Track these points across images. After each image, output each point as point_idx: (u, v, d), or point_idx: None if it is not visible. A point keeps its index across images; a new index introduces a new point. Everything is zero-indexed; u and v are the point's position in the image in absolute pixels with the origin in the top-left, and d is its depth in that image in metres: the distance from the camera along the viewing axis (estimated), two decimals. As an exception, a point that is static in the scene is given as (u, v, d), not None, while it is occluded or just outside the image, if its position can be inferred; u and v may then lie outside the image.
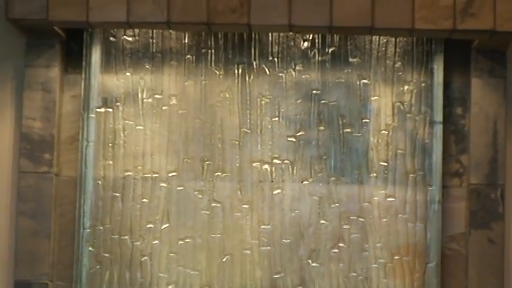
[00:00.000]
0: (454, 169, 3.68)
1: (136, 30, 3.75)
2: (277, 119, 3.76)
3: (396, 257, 3.69)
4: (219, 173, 3.73)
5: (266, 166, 3.74)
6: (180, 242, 3.72)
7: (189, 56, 3.77)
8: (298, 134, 3.76)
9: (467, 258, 3.63)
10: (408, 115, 3.75)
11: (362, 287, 3.73)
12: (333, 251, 3.70)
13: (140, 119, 3.77)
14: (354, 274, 3.70)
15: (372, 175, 3.73)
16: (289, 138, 3.76)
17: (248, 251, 3.73)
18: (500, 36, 3.49)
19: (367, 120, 3.75)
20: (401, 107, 3.76)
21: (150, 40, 3.78)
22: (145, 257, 3.71)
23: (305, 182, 3.73)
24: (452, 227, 3.69)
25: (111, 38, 3.77)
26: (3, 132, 3.73)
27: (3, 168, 3.72)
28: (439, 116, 3.68)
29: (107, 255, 3.70)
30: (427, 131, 3.73)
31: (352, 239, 3.71)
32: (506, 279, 3.67)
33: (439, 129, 3.70)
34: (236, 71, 3.77)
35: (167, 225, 3.71)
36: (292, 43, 3.78)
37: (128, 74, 3.76)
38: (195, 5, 3.47)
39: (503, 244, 3.63)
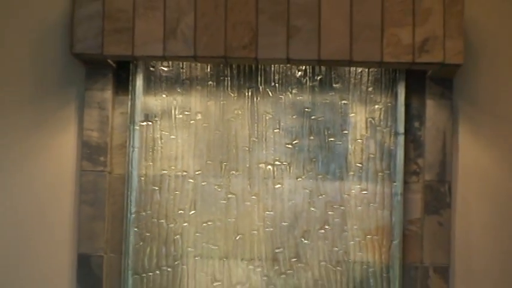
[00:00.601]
0: (413, 169, 3.85)
1: (170, 62, 3.87)
2: (277, 130, 3.90)
3: (368, 236, 3.86)
4: (234, 172, 3.88)
5: (269, 166, 3.88)
6: (204, 224, 3.86)
7: (210, 82, 3.90)
8: (294, 142, 3.90)
9: (422, 237, 3.78)
10: (378, 128, 3.89)
11: (342, 259, 3.85)
12: (320, 231, 3.84)
13: (173, 130, 3.90)
14: (336, 249, 3.84)
15: (350, 173, 3.89)
16: (287, 145, 3.90)
17: (255, 231, 3.87)
18: (448, 68, 3.62)
19: (346, 132, 3.90)
20: (373, 122, 3.90)
21: (181, 70, 3.90)
22: (177, 236, 3.85)
23: (299, 179, 3.88)
24: (411, 213, 3.84)
25: (151, 68, 3.89)
26: (69, 140, 3.82)
27: (69, 168, 3.81)
28: (401, 129, 3.84)
29: (148, 234, 3.85)
30: (392, 140, 3.87)
31: (335, 222, 3.85)
32: (451, 253, 3.77)
33: (401, 139, 3.84)
34: (246, 94, 3.91)
35: (194, 211, 3.86)
36: (289, 72, 3.91)
37: (164, 95, 3.90)
38: (215, 43, 3.56)
39: (450, 226, 3.76)
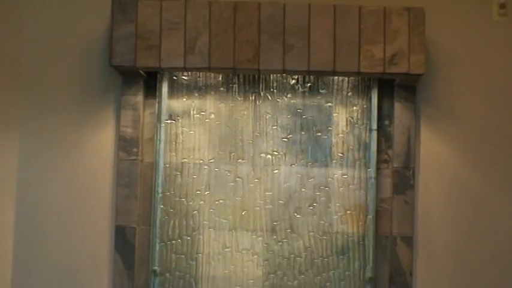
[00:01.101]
0: (384, 158, 3.95)
1: (189, 73, 3.98)
2: (275, 127, 4.01)
3: (348, 212, 3.98)
4: (240, 160, 3.99)
5: (269, 156, 3.99)
6: (216, 202, 3.97)
7: (221, 89, 4.01)
8: (288, 136, 4.00)
9: (391, 212, 3.88)
10: (356, 125, 4.00)
11: (327, 230, 3.97)
12: (309, 208, 3.97)
13: (191, 127, 4.01)
14: (322, 222, 3.96)
15: (333, 161, 3.99)
16: (283, 139, 4.01)
17: (258, 208, 3.98)
18: (412, 77, 3.74)
19: (330, 128, 4.00)
20: (351, 120, 4.01)
21: (198, 78, 4.01)
22: (195, 211, 3.97)
23: (292, 166, 3.99)
24: (382, 193, 3.93)
25: (174, 77, 4.00)
26: (108, 135, 3.92)
27: (108, 157, 3.91)
28: (374, 126, 3.95)
29: (171, 210, 3.96)
30: (367, 135, 3.98)
31: (321, 200, 3.97)
32: (414, 225, 3.86)
33: (374, 134, 3.96)
34: (250, 98, 4.02)
35: (208, 192, 3.97)
36: (284, 80, 4.01)
37: (184, 99, 4.01)
38: (225, 57, 3.68)
39: (413, 204, 3.87)
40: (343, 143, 4.02)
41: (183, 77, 4.02)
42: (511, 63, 4.03)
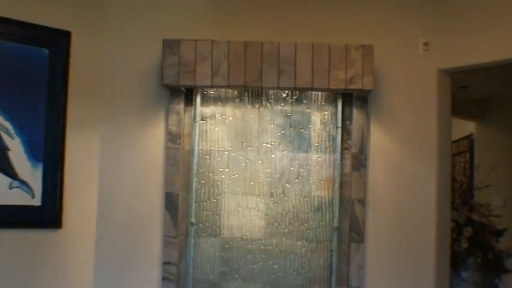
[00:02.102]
0: (345, 146, 3.98)
1: (215, 89, 3.99)
2: (273, 125, 4.04)
3: (322, 182, 4.01)
4: (249, 148, 4.03)
5: (268, 145, 4.03)
6: (233, 176, 4.01)
7: (236, 100, 4.06)
8: (281, 132, 4.04)
9: (351, 183, 3.93)
10: (326, 124, 4.03)
11: (307, 195, 4.00)
12: (295, 180, 4.01)
13: (216, 126, 4.05)
14: (304, 189, 4.00)
15: (312, 149, 4.03)
16: (278, 134, 4.04)
17: (261, 180, 4.02)
18: (364, 92, 3.82)
19: (310, 126, 4.04)
20: (324, 120, 4.04)
21: (220, 93, 4.04)
22: (219, 182, 4.01)
23: (284, 151, 4.03)
24: (345, 170, 3.98)
25: (204, 92, 4.02)
26: (161, 131, 3.97)
27: (161, 146, 3.95)
28: (339, 124, 3.98)
29: (202, 181, 4.00)
30: (334, 131, 4.00)
31: (304, 175, 4.02)
32: (366, 192, 3.90)
33: (339, 130, 3.97)
34: (257, 106, 4.06)
35: (228, 169, 4.02)
36: (279, 94, 4.05)
37: (211, 107, 4.04)
38: (239, 78, 3.77)
39: (366, 177, 3.93)
40: (318, 136, 4.06)
41: (211, 92, 4.06)
42: (429, 82, 4.03)
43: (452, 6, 4.03)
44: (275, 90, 4.05)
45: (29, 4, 3.73)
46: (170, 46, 3.81)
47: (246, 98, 4.09)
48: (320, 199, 4.05)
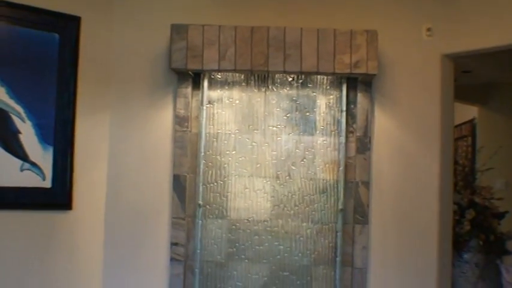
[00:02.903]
0: (350, 130, 3.99)
1: (221, 73, 4.01)
2: (278, 109, 4.05)
3: (327, 165, 4.02)
4: (256, 130, 4.03)
5: (274, 128, 4.04)
6: (240, 158, 4.03)
7: (243, 83, 4.06)
8: (287, 115, 4.05)
9: (355, 166, 3.95)
10: (331, 107, 4.04)
11: (313, 177, 4.01)
12: (301, 162, 4.03)
13: (223, 109, 4.05)
14: (310, 172, 4.01)
15: (317, 132, 4.04)
16: (284, 117, 4.05)
17: (267, 162, 4.03)
18: (369, 76, 3.83)
19: (315, 110, 4.05)
20: (329, 104, 4.05)
21: (227, 77, 4.05)
22: (226, 164, 4.02)
23: (290, 134, 4.04)
24: (350, 152, 3.98)
25: (211, 76, 4.03)
26: (169, 114, 3.98)
27: (169, 129, 3.98)
28: (344, 108, 3.99)
29: (210, 163, 4.01)
30: (339, 114, 4.01)
31: (309, 157, 4.03)
32: (370, 174, 3.91)
33: (344, 113, 3.98)
34: (263, 90, 4.06)
35: (234, 151, 4.03)
36: (285, 78, 4.06)
37: (218, 90, 4.06)
38: (246, 62, 3.78)
39: (370, 160, 3.94)
40: (323, 119, 4.07)
41: (218, 76, 4.07)
42: (432, 67, 4.03)
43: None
44: (281, 75, 4.06)
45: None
46: (178, 31, 3.82)
47: (253, 82, 4.10)
48: (325, 181, 4.06)
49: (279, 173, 4.08)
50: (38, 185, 3.73)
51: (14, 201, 3.65)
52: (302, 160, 4.08)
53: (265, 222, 4.06)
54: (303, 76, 4.09)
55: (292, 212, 4.06)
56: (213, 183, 4.07)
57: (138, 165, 4.06)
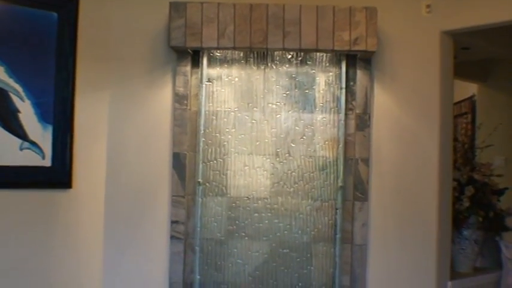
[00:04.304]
0: (350, 107, 4.00)
1: (221, 50, 4.00)
2: (278, 86, 4.05)
3: (326, 142, 4.03)
4: (255, 108, 4.04)
5: (274, 105, 4.05)
6: (239, 136, 4.03)
7: (242, 61, 4.06)
8: (287, 92, 4.05)
9: (355, 143, 3.96)
10: (331, 85, 4.05)
11: (312, 154, 4.03)
12: (300, 139, 4.04)
13: (222, 87, 4.05)
14: (309, 149, 4.03)
15: (316, 109, 4.05)
16: (283, 94, 4.05)
17: (267, 140, 4.03)
18: (368, 53, 3.85)
19: (314, 87, 4.06)
20: (328, 81, 4.05)
21: (226, 54, 4.05)
22: (225, 142, 4.02)
23: (289, 112, 4.05)
24: (350, 130, 3.99)
25: (211, 54, 4.03)
26: (168, 92, 3.99)
27: (168, 106, 3.98)
28: (343, 85, 4.00)
29: (210, 141, 4.01)
30: (339, 91, 4.02)
31: (309, 135, 4.04)
32: (370, 151, 3.93)
33: (343, 90, 3.99)
34: (262, 67, 4.06)
35: (234, 129, 4.04)
36: (284, 56, 4.06)
37: (217, 68, 4.05)
38: (245, 40, 3.77)
39: (369, 137, 3.95)
40: (322, 97, 4.08)
41: (217, 54, 4.06)
42: (431, 44, 4.04)
43: (456, -33, 4.06)
44: (280, 52, 4.06)
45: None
46: (177, 9, 3.82)
47: (252, 59, 4.10)
48: (325, 159, 4.08)
49: (278, 150, 4.09)
50: (37, 163, 3.74)
51: (14, 181, 3.66)
52: (301, 137, 4.09)
53: (265, 200, 4.08)
54: (302, 53, 4.09)
55: (291, 189, 4.08)
56: (212, 161, 4.08)
57: (137, 143, 4.06)
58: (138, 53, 4.06)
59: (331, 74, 4.11)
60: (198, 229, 4.04)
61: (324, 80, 4.11)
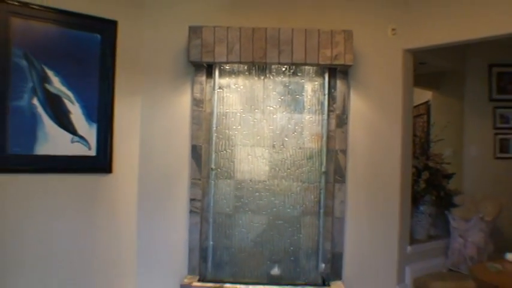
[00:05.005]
0: (331, 109, 3.93)
1: (230, 64, 3.94)
2: (275, 93, 3.99)
3: (313, 136, 3.99)
4: (256, 110, 3.99)
5: (271, 108, 3.99)
6: (244, 132, 3.99)
7: (246, 73, 4.01)
8: (281, 97, 3.99)
9: (335, 137, 3.91)
10: (316, 91, 3.98)
11: (302, 146, 3.99)
12: (292, 134, 3.99)
13: (230, 93, 3.99)
14: (299, 142, 3.98)
15: (305, 110, 3.99)
16: (278, 99, 3.99)
17: (265, 135, 3.98)
18: (346, 66, 3.79)
19: (303, 93, 3.99)
20: (314, 89, 3.99)
21: (234, 67, 3.98)
22: (233, 136, 3.98)
23: (283, 113, 3.99)
24: (331, 127, 3.92)
25: (221, 67, 3.96)
26: (188, 97, 3.94)
27: (188, 109, 3.93)
28: (326, 92, 3.94)
29: (221, 136, 3.98)
30: (322, 97, 3.95)
31: (298, 131, 3.99)
32: (347, 144, 3.89)
33: (326, 96, 3.93)
34: (262, 78, 4.01)
35: (239, 126, 3.99)
36: (280, 68, 4.01)
37: (227, 78, 4.00)
38: (249, 55, 3.73)
39: (347, 133, 3.91)
40: (309, 101, 4.02)
41: (226, 67, 4.01)
42: (396, 59, 4.02)
43: (416, 0, 4.01)
44: (276, 65, 4.02)
45: (85, -2, 3.76)
46: (195, 31, 3.80)
47: (254, 71, 4.06)
48: (311, 150, 4.04)
49: (274, 143, 4.06)
50: (85, 153, 3.75)
51: (67, 167, 3.67)
52: (293, 133, 4.06)
53: (264, 182, 4.05)
54: (293, 67, 4.04)
55: (285, 173, 4.04)
56: (222, 151, 4.05)
57: (163, 137, 4.03)
58: (163, 66, 4.04)
59: (316, 83, 4.06)
60: (211, 205, 4.02)
61: (311, 88, 4.06)
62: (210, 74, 4.02)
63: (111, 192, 3.92)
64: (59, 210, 3.65)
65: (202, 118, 3.98)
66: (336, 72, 3.98)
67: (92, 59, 3.77)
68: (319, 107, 4.06)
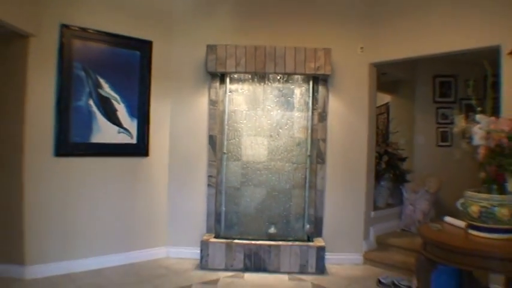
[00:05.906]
0: (315, 108, 3.88)
1: (238, 74, 3.89)
2: (272, 95, 3.95)
3: (300, 128, 3.95)
4: (258, 108, 3.94)
5: (269, 107, 3.95)
6: (248, 125, 3.95)
7: (250, 80, 3.96)
8: (276, 99, 3.95)
9: (318, 129, 3.85)
10: (303, 95, 3.94)
11: (292, 136, 3.95)
12: (285, 127, 3.95)
13: (238, 96, 3.95)
14: (291, 132, 3.95)
15: (294, 109, 3.96)
16: (274, 100, 3.94)
17: (265, 127, 3.95)
18: (326, 76, 3.76)
19: (294, 96, 3.95)
20: (302, 92, 3.95)
21: (241, 76, 3.94)
22: (240, 128, 3.94)
23: (279, 111, 3.95)
24: (314, 122, 3.87)
25: (231, 76, 3.92)
26: (205, 98, 3.90)
27: (205, 108, 3.90)
28: (311, 95, 3.91)
29: (231, 128, 3.94)
30: (308, 99, 3.92)
31: (290, 124, 3.95)
32: (326, 134, 3.81)
33: (311, 98, 3.88)
34: (262, 84, 3.97)
35: (245, 121, 3.95)
36: (275, 76, 3.95)
37: (235, 84, 3.96)
38: (252, 67, 3.70)
39: (326, 126, 3.85)
40: (298, 102, 3.99)
41: (235, 75, 3.97)
42: (363, 71, 3.96)
43: (378, 26, 3.95)
44: (273, 74, 3.97)
45: (127, 24, 3.71)
46: (211, 48, 3.79)
47: (256, 79, 4.03)
48: (299, 139, 4.02)
49: (271, 133, 4.03)
50: (128, 141, 3.75)
51: (115, 152, 3.69)
52: (286, 126, 4.03)
53: (264, 163, 4.02)
54: (286, 75, 4.01)
55: (279, 157, 4.02)
56: (232, 140, 4.02)
57: (187, 129, 3.99)
58: (187, 75, 4.00)
59: (303, 88, 4.02)
60: (224, 180, 4.00)
61: (299, 92, 4.02)
62: (222, 81, 4.00)
63: (148, 170, 3.90)
64: (108, 184, 3.66)
65: (216, 115, 3.95)
66: (318, 80, 3.95)
67: (133, 70, 3.76)
68: (306, 106, 4.02)
